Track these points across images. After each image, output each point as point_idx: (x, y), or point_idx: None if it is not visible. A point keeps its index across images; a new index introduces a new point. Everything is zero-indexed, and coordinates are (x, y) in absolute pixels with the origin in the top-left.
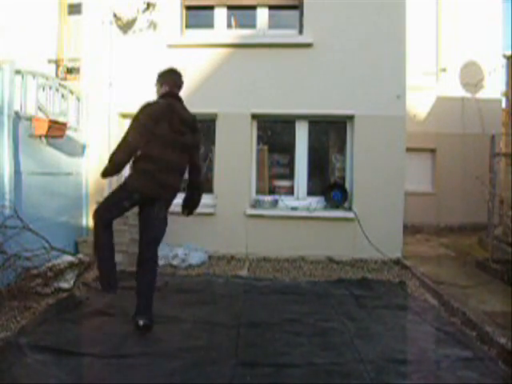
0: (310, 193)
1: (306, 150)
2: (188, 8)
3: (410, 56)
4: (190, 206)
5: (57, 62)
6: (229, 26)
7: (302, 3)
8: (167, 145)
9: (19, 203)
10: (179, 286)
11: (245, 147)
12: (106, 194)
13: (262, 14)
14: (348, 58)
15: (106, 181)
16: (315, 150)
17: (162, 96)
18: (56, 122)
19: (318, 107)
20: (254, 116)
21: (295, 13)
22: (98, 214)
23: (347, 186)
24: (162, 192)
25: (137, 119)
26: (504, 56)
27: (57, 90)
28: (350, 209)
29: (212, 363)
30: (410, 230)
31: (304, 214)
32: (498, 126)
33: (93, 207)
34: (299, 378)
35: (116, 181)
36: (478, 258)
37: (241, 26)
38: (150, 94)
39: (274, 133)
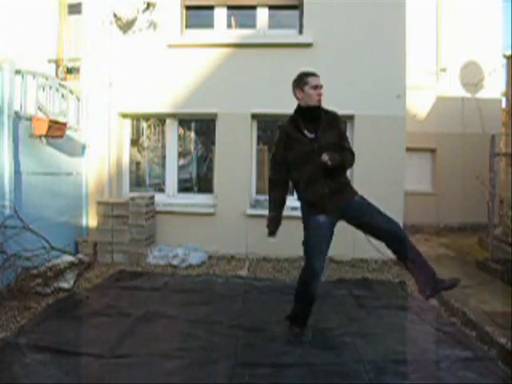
0: None
1: None
2: (188, 8)
3: (410, 56)
4: None
5: (57, 62)
6: (229, 26)
7: (302, 3)
8: None
9: (19, 203)
10: (179, 286)
11: (245, 147)
12: (105, 194)
13: (262, 14)
14: (348, 58)
15: (105, 181)
16: None
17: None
18: (56, 122)
19: None
20: (254, 116)
21: (295, 13)
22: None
23: None
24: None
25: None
26: (504, 56)
27: (57, 90)
28: None
29: (211, 363)
30: (409, 230)
31: None
32: (498, 125)
33: (93, 207)
34: (299, 378)
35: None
36: (478, 258)
37: (241, 26)
38: (150, 94)
39: (273, 133)
